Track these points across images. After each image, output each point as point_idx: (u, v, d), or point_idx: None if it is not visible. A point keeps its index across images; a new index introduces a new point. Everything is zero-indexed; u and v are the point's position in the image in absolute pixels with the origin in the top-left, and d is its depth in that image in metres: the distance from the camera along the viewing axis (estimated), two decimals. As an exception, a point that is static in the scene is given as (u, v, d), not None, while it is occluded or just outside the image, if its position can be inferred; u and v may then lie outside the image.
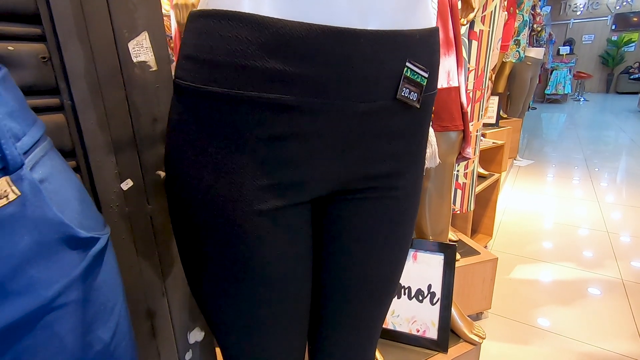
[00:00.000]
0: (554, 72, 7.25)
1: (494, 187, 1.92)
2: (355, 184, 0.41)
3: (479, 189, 1.73)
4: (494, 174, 1.94)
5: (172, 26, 0.88)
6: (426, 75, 0.38)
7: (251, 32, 0.30)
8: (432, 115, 0.69)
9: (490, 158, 2.34)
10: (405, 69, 0.36)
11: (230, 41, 0.31)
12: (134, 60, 0.49)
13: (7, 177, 0.21)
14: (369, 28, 0.32)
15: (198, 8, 0.33)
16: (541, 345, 1.30)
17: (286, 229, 0.38)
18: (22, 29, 0.40)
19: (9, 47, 0.39)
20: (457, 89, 0.77)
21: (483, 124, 2.34)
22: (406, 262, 0.54)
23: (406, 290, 0.97)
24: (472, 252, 1.43)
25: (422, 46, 0.37)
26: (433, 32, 0.39)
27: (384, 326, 0.98)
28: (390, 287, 0.50)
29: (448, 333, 0.93)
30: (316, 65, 0.31)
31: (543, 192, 2.75)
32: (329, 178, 0.38)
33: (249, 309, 0.40)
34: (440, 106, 0.81)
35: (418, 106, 0.38)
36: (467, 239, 1.52)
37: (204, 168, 0.34)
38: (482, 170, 1.93)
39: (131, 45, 0.48)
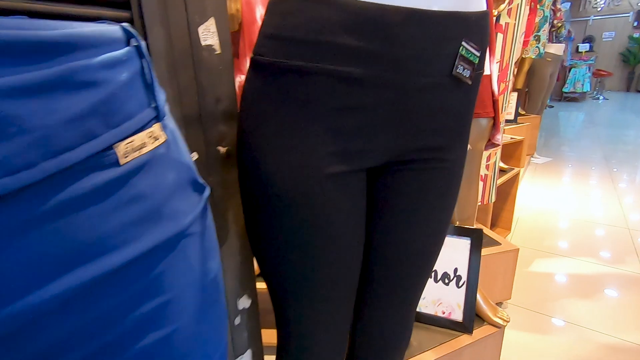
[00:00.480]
0: (572, 69, 7.11)
1: (513, 181, 1.93)
2: (407, 155, 0.45)
3: (499, 182, 1.75)
4: (513, 168, 1.94)
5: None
6: (478, 54, 0.41)
7: (331, 12, 0.34)
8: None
9: (509, 153, 2.34)
10: (461, 47, 0.39)
11: (313, 20, 0.35)
12: (202, 43, 0.53)
13: (159, 123, 0.25)
14: (433, 9, 0.36)
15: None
16: (561, 335, 1.32)
17: (348, 193, 0.42)
18: (115, 13, 0.45)
19: (105, 29, 0.44)
20: (489, 77, 0.80)
21: (502, 119, 2.34)
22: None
23: (432, 273, 1.00)
24: (493, 242, 1.45)
25: (476, 27, 0.41)
26: (485, 15, 0.42)
27: (409, 308, 1.02)
28: (432, 255, 0.53)
29: (473, 315, 0.96)
30: (387, 42, 0.35)
31: (561, 190, 2.73)
32: (388, 147, 0.42)
33: (311, 268, 0.44)
34: (470, 94, 0.83)
35: (470, 82, 0.42)
36: (487, 231, 1.54)
37: (280, 135, 0.39)
38: (502, 164, 1.94)
39: (200, 29, 0.53)
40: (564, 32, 3.33)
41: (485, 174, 1.49)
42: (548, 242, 1.98)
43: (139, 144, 0.23)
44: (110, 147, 0.21)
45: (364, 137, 0.40)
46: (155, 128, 0.25)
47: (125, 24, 0.23)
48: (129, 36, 0.24)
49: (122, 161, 0.21)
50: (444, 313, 0.99)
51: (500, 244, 1.44)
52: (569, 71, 7.16)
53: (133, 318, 0.24)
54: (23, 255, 0.18)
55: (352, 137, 0.39)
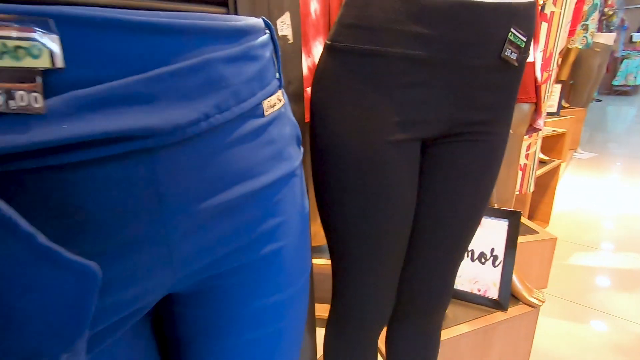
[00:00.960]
0: (624, 61, 6.64)
1: (553, 174, 1.91)
2: (457, 129, 0.51)
3: (538, 172, 1.74)
4: (554, 160, 1.92)
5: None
6: (525, 39, 0.47)
7: (402, 4, 0.42)
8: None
9: (550, 146, 2.29)
10: (510, 33, 0.46)
11: (386, 11, 0.43)
12: (279, 34, 0.63)
13: (281, 90, 0.35)
14: (487, 0, 0.43)
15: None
16: (599, 325, 1.32)
17: (406, 158, 0.50)
18: (214, 9, 0.56)
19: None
20: (532, 64, 0.84)
21: (543, 111, 2.29)
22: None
23: (469, 253, 1.06)
24: (531, 231, 1.47)
25: (523, 16, 0.47)
26: (532, 5, 0.48)
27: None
28: (473, 220, 0.59)
29: (509, 293, 1.01)
30: (447, 28, 0.43)
31: (606, 186, 2.63)
32: (442, 120, 0.49)
33: (371, 220, 0.52)
34: (513, 81, 0.87)
35: (517, 65, 0.48)
36: (524, 220, 1.56)
37: (353, 106, 0.47)
38: (542, 156, 1.92)
39: (278, 22, 0.62)
40: (615, 20, 3.15)
41: (524, 164, 1.50)
42: (589, 236, 1.94)
43: (273, 103, 0.32)
44: (260, 103, 0.30)
45: (424, 109, 0.47)
46: (280, 93, 0.34)
47: (264, 17, 0.33)
48: (266, 26, 0.33)
49: (266, 113, 0.31)
50: (479, 291, 1.05)
51: (538, 232, 1.45)
52: (621, 62, 6.68)
53: (260, 230, 0.33)
54: (217, 169, 0.27)
55: (413, 110, 0.47)
